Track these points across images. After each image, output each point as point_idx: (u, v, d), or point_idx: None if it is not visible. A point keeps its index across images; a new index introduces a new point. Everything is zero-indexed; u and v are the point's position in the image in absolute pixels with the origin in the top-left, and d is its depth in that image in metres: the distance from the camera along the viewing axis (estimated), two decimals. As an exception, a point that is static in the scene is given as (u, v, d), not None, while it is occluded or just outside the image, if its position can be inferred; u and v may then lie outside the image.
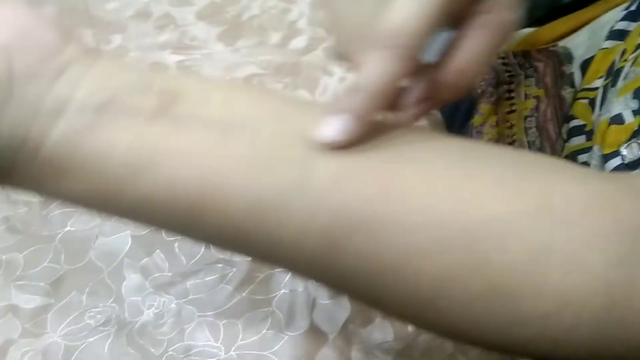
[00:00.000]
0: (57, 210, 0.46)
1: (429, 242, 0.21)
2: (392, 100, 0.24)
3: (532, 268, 0.21)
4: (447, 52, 0.26)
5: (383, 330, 0.40)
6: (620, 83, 0.38)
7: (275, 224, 0.22)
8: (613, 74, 0.40)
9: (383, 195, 0.21)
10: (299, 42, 0.56)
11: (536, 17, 0.60)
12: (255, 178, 0.21)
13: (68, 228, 0.45)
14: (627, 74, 0.38)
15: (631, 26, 0.42)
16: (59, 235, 0.45)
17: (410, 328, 0.40)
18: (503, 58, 0.53)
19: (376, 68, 0.23)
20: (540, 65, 0.50)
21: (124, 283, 0.42)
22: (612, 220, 0.22)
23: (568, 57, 0.47)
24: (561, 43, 0.48)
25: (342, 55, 0.30)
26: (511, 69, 0.53)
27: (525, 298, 0.21)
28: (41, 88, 0.21)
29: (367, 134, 0.23)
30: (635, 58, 0.38)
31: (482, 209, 0.22)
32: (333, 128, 0.22)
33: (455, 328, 0.23)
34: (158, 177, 0.21)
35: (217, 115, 0.22)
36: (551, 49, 0.49)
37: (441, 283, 0.21)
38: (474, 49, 0.25)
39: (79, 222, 0.45)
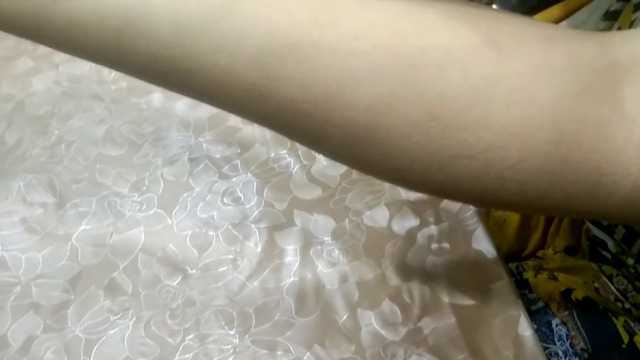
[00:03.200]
0: (71, 210, 0.48)
1: (363, 68, 0.20)
2: None
3: (473, 99, 0.20)
4: None
5: (391, 312, 0.41)
6: None
7: (205, 48, 0.21)
8: None
9: (314, 20, 0.21)
10: None
11: (531, 5, 0.61)
12: (181, 0, 0.21)
13: (83, 227, 0.47)
14: None
15: (624, 6, 0.42)
16: (75, 235, 0.46)
17: (416, 310, 0.41)
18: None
19: None
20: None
21: (140, 277, 0.44)
22: (567, 57, 0.21)
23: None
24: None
25: None
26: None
27: (466, 129, 0.21)
28: None
29: None
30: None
31: (423, 38, 0.21)
32: None
33: (398, 165, 0.22)
34: None
35: None
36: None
37: (378, 112, 0.21)
38: None
39: (93, 220, 0.47)
